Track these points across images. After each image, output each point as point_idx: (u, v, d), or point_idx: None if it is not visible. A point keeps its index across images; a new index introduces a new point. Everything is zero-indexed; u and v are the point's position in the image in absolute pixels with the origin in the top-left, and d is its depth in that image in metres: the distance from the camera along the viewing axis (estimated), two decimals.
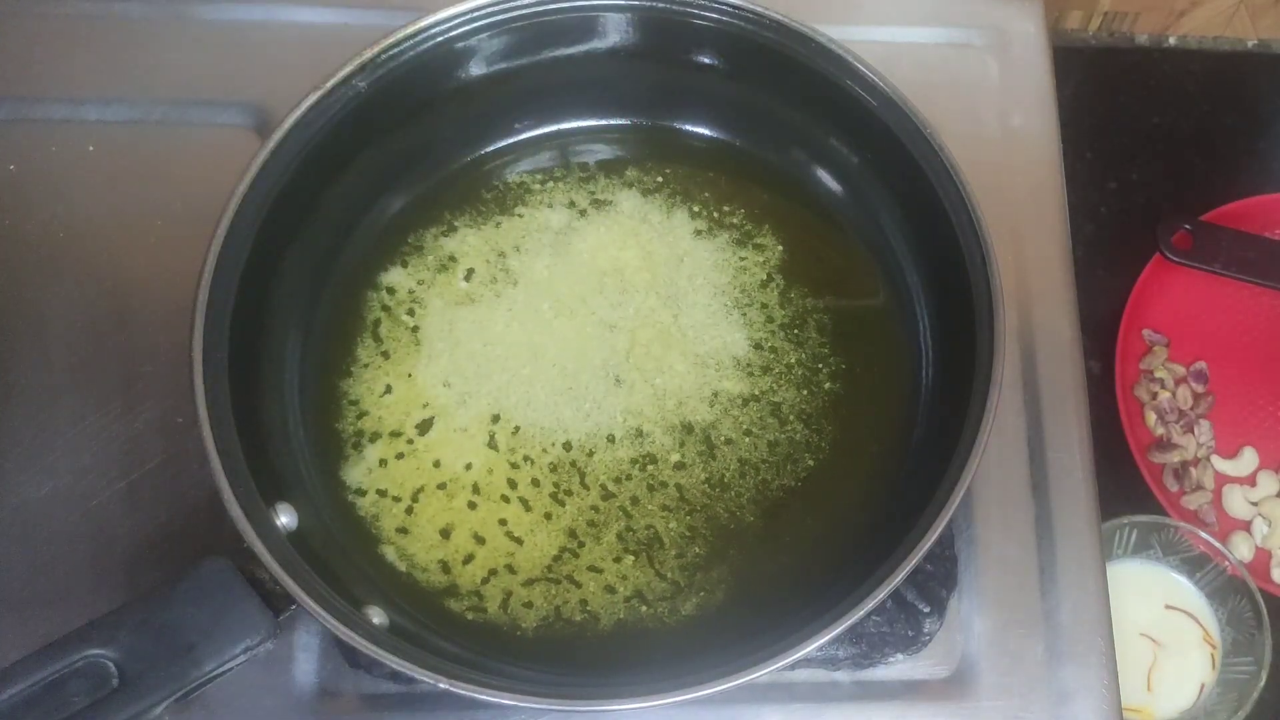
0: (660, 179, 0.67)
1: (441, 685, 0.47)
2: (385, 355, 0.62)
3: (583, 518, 0.59)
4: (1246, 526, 0.78)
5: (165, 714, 0.46)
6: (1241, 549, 0.76)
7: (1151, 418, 0.79)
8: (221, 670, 0.46)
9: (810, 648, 0.48)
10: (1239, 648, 0.72)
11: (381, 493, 0.59)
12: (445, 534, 0.58)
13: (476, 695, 0.47)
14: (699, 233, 0.66)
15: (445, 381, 0.61)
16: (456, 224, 0.65)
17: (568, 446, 0.60)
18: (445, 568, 0.57)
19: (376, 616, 0.52)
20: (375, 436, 0.60)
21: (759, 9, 0.60)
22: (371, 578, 0.57)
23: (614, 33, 0.63)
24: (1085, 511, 0.63)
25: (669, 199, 0.66)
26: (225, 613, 0.47)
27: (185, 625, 0.46)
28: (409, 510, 0.58)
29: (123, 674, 0.45)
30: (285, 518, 0.52)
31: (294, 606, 0.48)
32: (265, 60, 0.70)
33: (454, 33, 0.60)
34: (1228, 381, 0.81)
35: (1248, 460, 0.79)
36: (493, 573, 0.57)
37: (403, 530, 0.58)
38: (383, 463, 0.59)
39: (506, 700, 0.47)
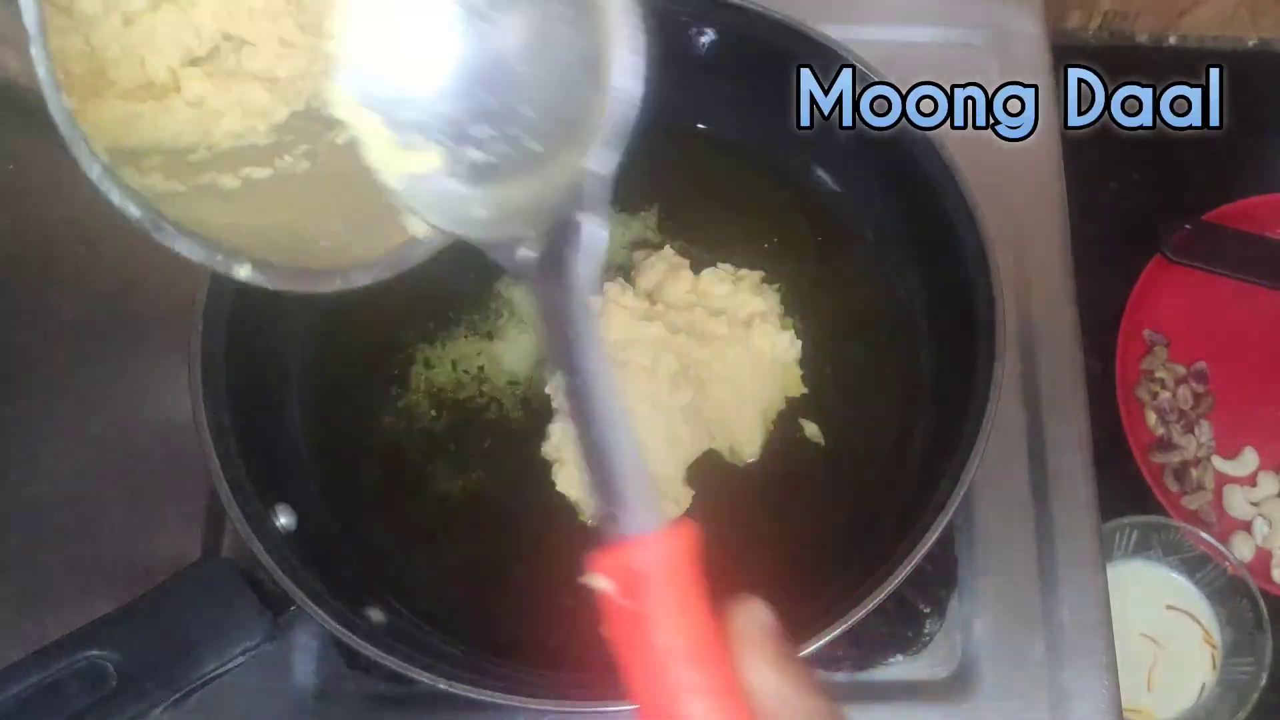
0: (658, 180, 0.67)
1: (441, 685, 0.47)
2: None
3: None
4: (1247, 526, 0.78)
5: (164, 714, 0.46)
6: (1242, 549, 0.76)
7: (1152, 418, 0.79)
8: (221, 670, 0.46)
9: (810, 648, 0.48)
10: (1239, 648, 0.72)
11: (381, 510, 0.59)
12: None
13: (476, 695, 0.47)
14: (697, 234, 0.65)
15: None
16: None
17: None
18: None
19: (376, 616, 0.52)
20: (369, 453, 0.60)
21: (759, 9, 0.60)
22: (370, 578, 0.57)
23: None
24: (1085, 512, 0.63)
25: (667, 200, 0.66)
26: (225, 613, 0.47)
27: (185, 625, 0.46)
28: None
29: (122, 674, 0.45)
30: (284, 518, 0.52)
31: (293, 607, 0.48)
32: None
33: None
34: (1228, 381, 0.81)
35: (1248, 460, 0.79)
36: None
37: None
38: (381, 477, 0.59)
39: (506, 700, 0.47)
